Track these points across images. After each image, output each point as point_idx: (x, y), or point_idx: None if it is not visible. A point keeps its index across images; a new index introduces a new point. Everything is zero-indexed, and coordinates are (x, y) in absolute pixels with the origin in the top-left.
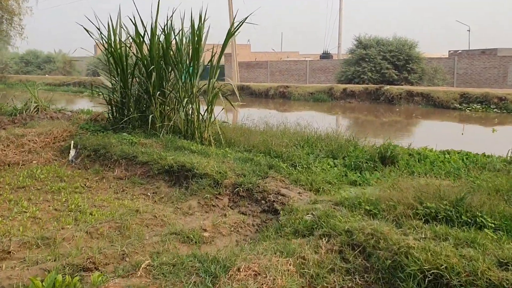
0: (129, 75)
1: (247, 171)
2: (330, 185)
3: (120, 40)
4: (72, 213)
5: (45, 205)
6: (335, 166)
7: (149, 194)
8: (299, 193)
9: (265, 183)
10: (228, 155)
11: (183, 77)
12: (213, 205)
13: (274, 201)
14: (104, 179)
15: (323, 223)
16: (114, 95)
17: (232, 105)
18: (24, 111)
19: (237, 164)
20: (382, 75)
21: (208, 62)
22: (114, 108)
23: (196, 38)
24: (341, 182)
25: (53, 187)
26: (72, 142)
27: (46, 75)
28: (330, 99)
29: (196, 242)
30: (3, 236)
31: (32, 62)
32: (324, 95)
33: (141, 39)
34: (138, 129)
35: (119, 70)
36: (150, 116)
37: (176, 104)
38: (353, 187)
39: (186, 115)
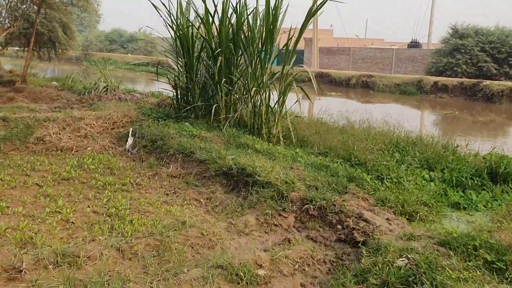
0: (195, 59)
1: (320, 182)
2: (426, 208)
3: (187, 19)
4: (109, 219)
5: (83, 205)
6: (432, 181)
7: (202, 200)
8: (387, 219)
9: (343, 201)
10: (299, 158)
11: (253, 62)
12: (275, 224)
13: (354, 228)
14: (156, 176)
15: (424, 277)
16: (180, 80)
17: (307, 96)
18: (93, 91)
19: (308, 172)
20: (478, 68)
21: (284, 46)
22: (179, 93)
23: (271, 18)
24: (440, 204)
25: (99, 182)
26: (131, 129)
27: (128, 54)
28: (419, 92)
29: (247, 283)
30: (21, 246)
31: (116, 41)
32: (412, 87)
33: (210, 19)
34: (202, 119)
35: (185, 52)
36: (214, 106)
37: (244, 93)
38: (455, 211)
39: (253, 107)
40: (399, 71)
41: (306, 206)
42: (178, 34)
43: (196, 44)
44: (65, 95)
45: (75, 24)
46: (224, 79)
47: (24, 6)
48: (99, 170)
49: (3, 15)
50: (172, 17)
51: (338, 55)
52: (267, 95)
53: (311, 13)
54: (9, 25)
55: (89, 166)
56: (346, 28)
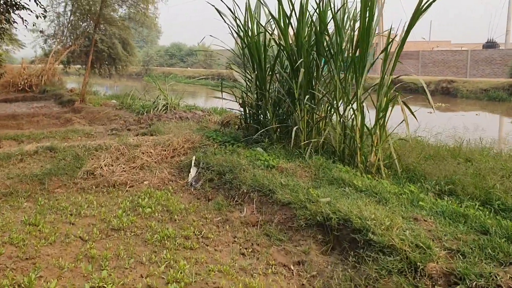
0: (268, 71)
1: (466, 244)
2: None
3: (258, 23)
4: None
5: (135, 275)
6: None
7: (292, 266)
8: None
9: (510, 278)
10: (420, 202)
11: (341, 73)
12: None
13: None
14: (227, 223)
15: None
16: (248, 96)
17: (412, 113)
18: (151, 110)
19: (441, 226)
20: None
21: (382, 51)
22: (247, 112)
23: (367, 15)
24: None
25: (156, 235)
26: (194, 158)
27: (188, 68)
28: (510, 98)
29: None
30: None
31: (176, 55)
32: (502, 92)
33: (287, 21)
34: (277, 143)
35: (255, 64)
36: (294, 128)
37: (329, 111)
38: None
39: (343, 128)
40: (476, 74)
41: (455, 287)
42: (246, 42)
43: (267, 54)
44: (123, 115)
45: (136, 40)
46: (306, 96)
47: (85, 24)
48: (156, 214)
49: (65, 33)
50: (239, 22)
51: (406, 60)
52: (362, 114)
53: (420, 10)
54: (70, 44)
55: (145, 209)
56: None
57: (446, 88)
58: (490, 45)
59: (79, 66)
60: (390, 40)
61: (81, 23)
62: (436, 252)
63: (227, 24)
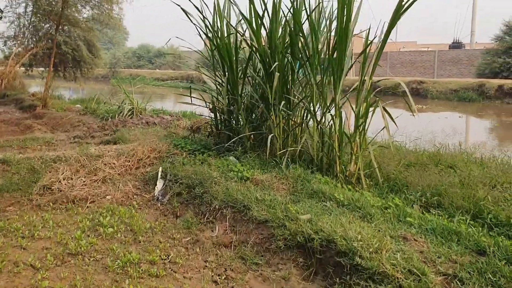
0: (239, 75)
1: (462, 267)
2: None
3: (228, 24)
4: None
5: None
6: None
7: None
8: None
9: None
10: (408, 218)
11: (318, 76)
12: None
13: None
14: (197, 244)
15: None
16: (219, 101)
17: (392, 119)
18: (116, 115)
19: (433, 246)
20: None
21: (361, 53)
22: (218, 118)
23: (344, 14)
24: None
25: (118, 261)
26: (160, 169)
27: (156, 70)
28: (480, 99)
29: None
30: None
31: (144, 57)
32: (472, 93)
33: (259, 21)
34: (251, 151)
35: (226, 67)
36: (270, 136)
37: (306, 117)
38: None
39: (321, 135)
40: (443, 74)
41: None
42: (216, 44)
43: (238, 56)
44: (87, 121)
45: (103, 42)
46: (280, 102)
47: (47, 25)
48: (119, 234)
49: (26, 35)
50: (208, 22)
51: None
52: (340, 120)
53: (401, 8)
54: (32, 46)
55: (106, 229)
56: (374, 32)
57: (416, 89)
58: (456, 45)
59: (42, 69)
60: (369, 41)
61: (43, 24)
62: (431, 279)
63: (195, 24)
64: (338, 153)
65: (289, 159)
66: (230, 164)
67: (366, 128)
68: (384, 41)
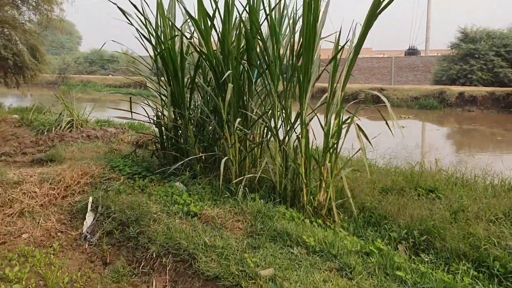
0: (187, 85)
1: None
2: None
3: (173, 25)
4: None
5: None
6: None
7: None
8: None
9: None
10: (397, 270)
11: (278, 86)
12: None
13: None
14: None
15: None
16: (164, 115)
17: (368, 139)
18: (53, 128)
19: None
20: (494, 75)
21: (332, 59)
22: (164, 135)
23: (311, 12)
24: None
25: None
26: (91, 199)
27: (109, 75)
28: (441, 106)
29: None
30: None
31: (96, 62)
32: (433, 100)
33: (208, 22)
34: (202, 176)
35: (170, 76)
36: (223, 160)
37: (267, 135)
38: None
39: (284, 158)
40: (400, 81)
41: None
42: (158, 49)
43: (186, 63)
44: (22, 134)
45: (54, 47)
46: (235, 118)
47: None
48: None
49: None
50: (149, 25)
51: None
52: (306, 140)
53: (380, 3)
54: None
55: (11, 286)
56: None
57: (376, 97)
58: (412, 52)
59: None
60: (340, 46)
61: None
62: None
63: (134, 26)
64: (304, 180)
65: (246, 188)
66: (176, 193)
67: (338, 151)
68: (359, 44)
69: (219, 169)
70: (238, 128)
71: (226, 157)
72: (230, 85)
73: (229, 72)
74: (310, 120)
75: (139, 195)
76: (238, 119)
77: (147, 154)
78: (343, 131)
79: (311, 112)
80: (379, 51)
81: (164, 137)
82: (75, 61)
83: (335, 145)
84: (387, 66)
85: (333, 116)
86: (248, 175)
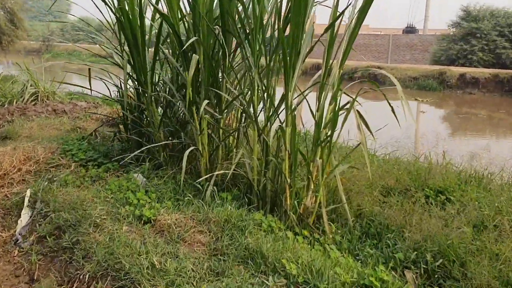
0: (156, 56)
1: None
2: None
3: None
4: None
5: None
6: None
7: None
8: None
9: None
10: None
11: (260, 60)
12: None
13: None
14: None
15: None
16: (127, 92)
17: (369, 129)
18: (15, 101)
19: None
20: (496, 56)
21: (327, 29)
22: (126, 115)
23: None
24: None
25: None
26: (28, 192)
27: (97, 45)
28: (441, 88)
29: None
30: None
31: (84, 30)
32: (432, 81)
33: None
34: (167, 167)
35: (131, 46)
36: (188, 151)
37: (244, 121)
38: None
39: (264, 151)
40: (396, 59)
41: None
42: (116, 12)
43: (153, 32)
44: None
45: (42, 14)
46: (205, 99)
47: None
48: None
49: None
50: None
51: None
52: (293, 129)
53: None
54: None
55: None
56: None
57: (374, 75)
58: (410, 30)
59: None
60: (339, 13)
61: None
62: None
63: None
64: (288, 179)
65: (218, 185)
66: (131, 187)
67: (333, 144)
68: (365, 10)
69: (184, 162)
70: (207, 112)
71: (193, 147)
72: (195, 56)
73: (193, 38)
74: (298, 104)
75: (88, 188)
76: (206, 101)
77: (108, 138)
78: (340, 120)
79: (300, 94)
80: (375, 29)
81: (127, 118)
82: (61, 28)
83: (329, 138)
84: (384, 44)
85: (328, 100)
86: (218, 172)
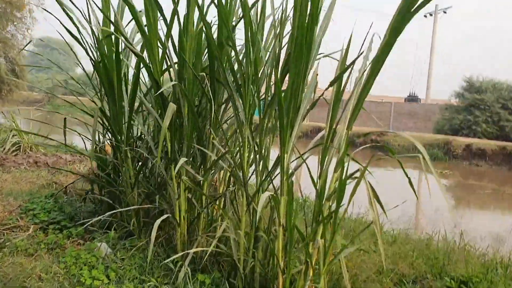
0: (127, 103)
1: None
2: None
3: (107, 19)
4: None
5: None
6: None
7: None
8: None
9: None
10: None
11: (252, 116)
12: None
13: None
14: None
15: None
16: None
17: (381, 206)
18: None
19: None
20: (500, 128)
21: (331, 84)
22: (98, 173)
23: (307, 9)
24: None
25: None
26: None
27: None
28: (446, 158)
29: None
30: None
31: (88, 84)
32: (437, 150)
33: (157, 15)
34: (139, 236)
35: (105, 91)
36: (159, 220)
37: (232, 187)
38: None
39: (253, 225)
40: (398, 127)
41: None
42: (93, 55)
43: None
44: None
45: (49, 67)
46: (187, 156)
47: None
48: None
49: None
50: (83, 23)
51: (325, 108)
52: (288, 199)
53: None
54: None
55: None
56: (323, 80)
57: (376, 142)
58: (412, 98)
59: None
60: (349, 64)
61: None
62: None
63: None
64: (281, 263)
65: (195, 263)
66: (90, 261)
67: (338, 222)
68: (381, 59)
69: (158, 232)
70: (187, 172)
71: (167, 215)
72: (171, 105)
73: (172, 83)
74: (296, 169)
75: (42, 258)
76: (184, 159)
77: (79, 196)
78: (347, 191)
79: (299, 157)
80: (377, 96)
81: (101, 175)
82: (66, 81)
83: (335, 212)
84: (386, 111)
85: (332, 165)
86: (196, 249)
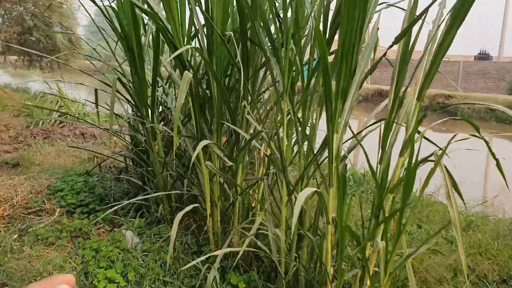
0: (151, 73)
1: None
2: None
3: None
4: None
5: None
6: None
7: None
8: None
9: None
10: None
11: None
12: None
13: None
14: None
15: None
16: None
17: (461, 196)
18: (41, 122)
19: None
20: None
21: (394, 43)
22: (133, 151)
23: None
24: None
25: None
26: None
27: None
28: None
29: None
30: None
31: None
32: None
33: None
34: (165, 223)
35: (128, 55)
36: (182, 212)
37: (272, 168)
38: None
39: (298, 221)
40: (467, 88)
41: None
42: (109, 15)
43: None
44: (15, 125)
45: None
46: (218, 135)
47: (22, 7)
48: None
49: None
50: None
51: (389, 68)
52: (340, 188)
53: None
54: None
55: None
56: (384, 39)
57: (443, 105)
58: (483, 57)
59: (15, 57)
60: (420, 12)
61: (19, 7)
62: None
63: None
64: (331, 268)
65: (228, 259)
66: (112, 253)
67: (405, 221)
68: (466, 3)
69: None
70: (218, 156)
71: (193, 205)
72: (187, 73)
73: (184, 47)
74: (349, 151)
75: (62, 248)
76: (204, 141)
77: (113, 174)
78: (416, 178)
79: (353, 137)
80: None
81: (134, 153)
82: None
83: (402, 208)
84: (453, 71)
85: (397, 147)
86: (227, 250)
